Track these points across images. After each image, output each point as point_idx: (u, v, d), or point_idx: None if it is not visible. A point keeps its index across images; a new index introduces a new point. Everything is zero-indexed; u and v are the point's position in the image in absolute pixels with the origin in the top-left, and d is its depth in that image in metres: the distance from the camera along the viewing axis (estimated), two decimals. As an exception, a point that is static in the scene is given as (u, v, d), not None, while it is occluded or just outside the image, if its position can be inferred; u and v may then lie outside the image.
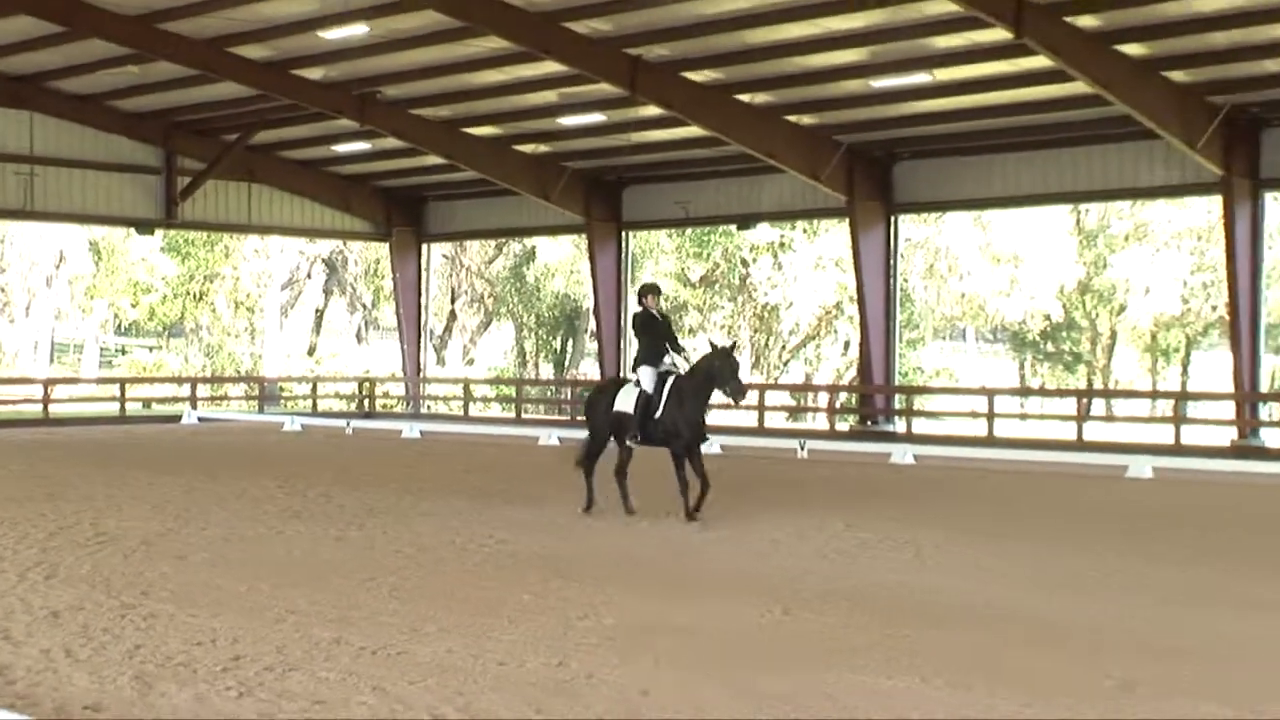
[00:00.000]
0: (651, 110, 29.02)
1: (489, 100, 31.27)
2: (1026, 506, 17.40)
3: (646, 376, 15.14)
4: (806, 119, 29.92)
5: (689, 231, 46.40)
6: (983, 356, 57.51)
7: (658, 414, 14.90)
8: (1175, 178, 28.03)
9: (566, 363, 55.58)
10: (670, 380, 15.00)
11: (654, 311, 15.55)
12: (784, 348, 51.90)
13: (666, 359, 15.22)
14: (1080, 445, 27.41)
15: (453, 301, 56.85)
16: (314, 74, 30.65)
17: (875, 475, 21.58)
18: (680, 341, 15.80)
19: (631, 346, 44.36)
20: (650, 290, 15.79)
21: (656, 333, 15.40)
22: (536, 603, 10.02)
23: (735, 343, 15.90)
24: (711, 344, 15.45)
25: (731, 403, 15.59)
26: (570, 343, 56.12)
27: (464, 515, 15.21)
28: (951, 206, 35.20)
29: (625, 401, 15.25)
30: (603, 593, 10.37)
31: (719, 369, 14.80)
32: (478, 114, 32.58)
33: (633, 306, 42.77)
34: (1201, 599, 10.56)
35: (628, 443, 15.35)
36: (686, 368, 15.20)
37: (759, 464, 23.05)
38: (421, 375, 42.26)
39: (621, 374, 37.31)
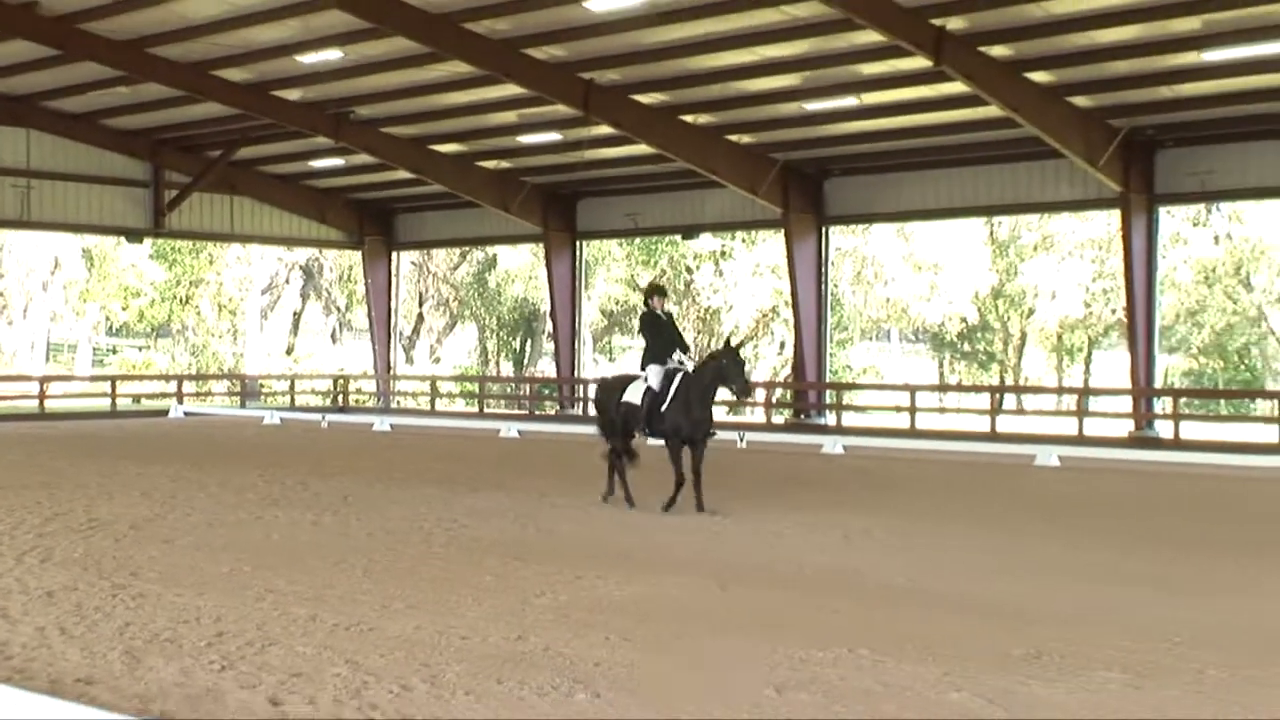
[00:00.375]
0: (603, 129, 29.00)
1: (454, 120, 31.18)
2: (946, 493, 17.50)
3: (654, 375, 14.52)
4: (745, 138, 29.98)
5: (638, 241, 46.41)
6: (905, 356, 57.78)
7: (664, 408, 14.27)
8: (1079, 193, 28.27)
9: (525, 361, 55.49)
10: (679, 377, 14.37)
11: (660, 312, 14.88)
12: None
13: (674, 357, 14.61)
14: (993, 436, 27.55)
15: (420, 305, 56.65)
16: (292, 95, 30.44)
17: (808, 464, 21.64)
18: (685, 339, 15.17)
19: (586, 348, 44.36)
20: (656, 291, 15.06)
21: (663, 332, 14.79)
22: (497, 582, 9.99)
23: (742, 341, 15.29)
24: (728, 343, 14.65)
25: (737, 400, 14.80)
26: (529, 343, 56.02)
27: (431, 502, 15.15)
28: (877, 218, 35.35)
29: (633, 395, 14.64)
30: (559, 573, 10.35)
31: (726, 367, 14.19)
32: (444, 132, 32.46)
33: (592, 306, 43.10)
34: (1106, 576, 10.65)
35: (637, 435, 14.74)
36: (692, 366, 14.63)
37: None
38: (391, 373, 42.07)
39: (577, 371, 37.32)
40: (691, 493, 14.19)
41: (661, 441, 14.45)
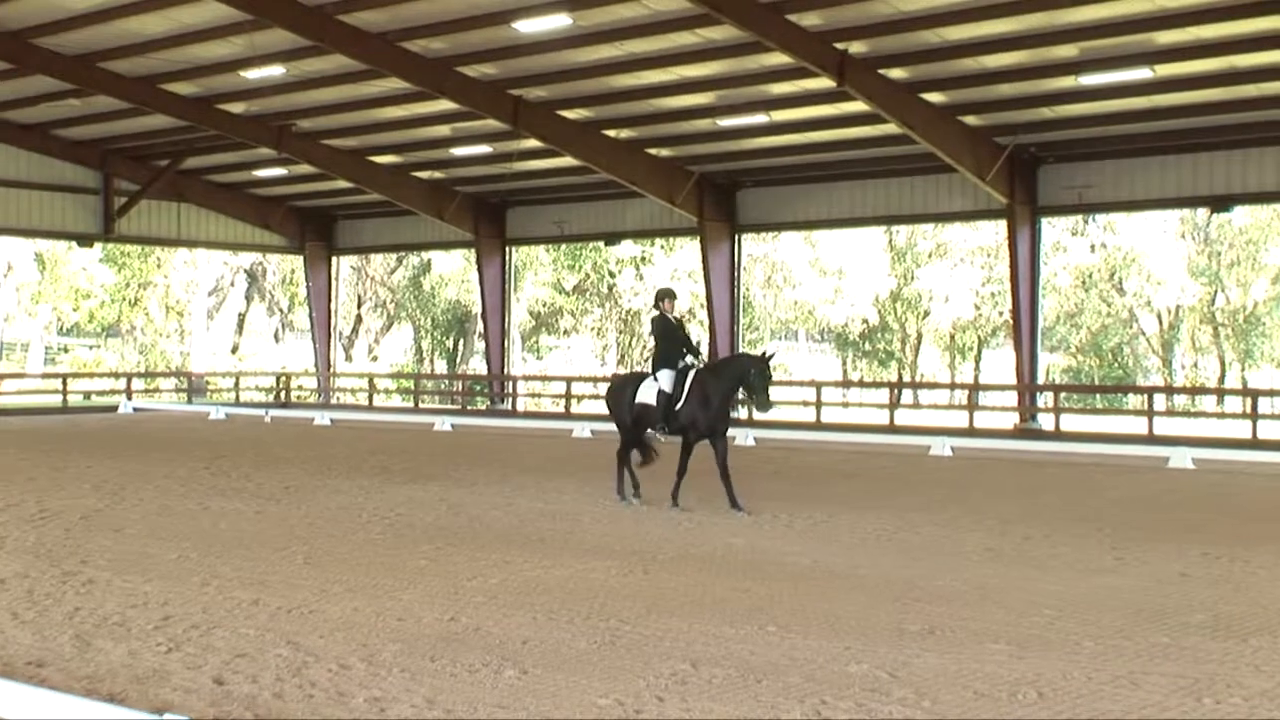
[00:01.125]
0: (531, 142, 28.90)
1: (391, 133, 30.92)
2: (848, 480, 17.62)
3: (666, 378, 13.75)
4: (664, 151, 30.03)
5: (564, 247, 46.36)
6: (812, 354, 58.22)
7: (679, 406, 13.55)
8: (969, 205, 28.58)
9: (458, 360, 55.21)
10: (691, 374, 13.63)
11: (670, 316, 14.09)
12: (645, 347, 52.07)
13: (686, 360, 13.85)
14: (892, 429, 27.69)
15: (359, 306, 56.16)
16: (237, 108, 30.00)
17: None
18: (696, 344, 14.37)
19: (515, 347, 44.18)
20: (666, 295, 14.15)
21: (674, 337, 14.00)
22: (431, 567, 9.93)
23: (774, 353, 14.11)
24: (763, 355, 13.80)
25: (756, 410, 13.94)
26: (461, 342, 55.74)
27: (369, 492, 15.02)
28: (786, 227, 35.58)
29: (647, 394, 13.89)
30: (489, 558, 10.31)
31: (754, 378, 13.37)
32: (381, 144, 32.18)
33: (521, 308, 42.93)
34: (990, 556, 10.81)
35: (656, 434, 14.00)
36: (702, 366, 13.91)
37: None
38: (332, 370, 41.67)
39: (506, 369, 37.18)
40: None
41: (679, 438, 13.81)
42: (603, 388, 38.89)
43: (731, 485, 13.47)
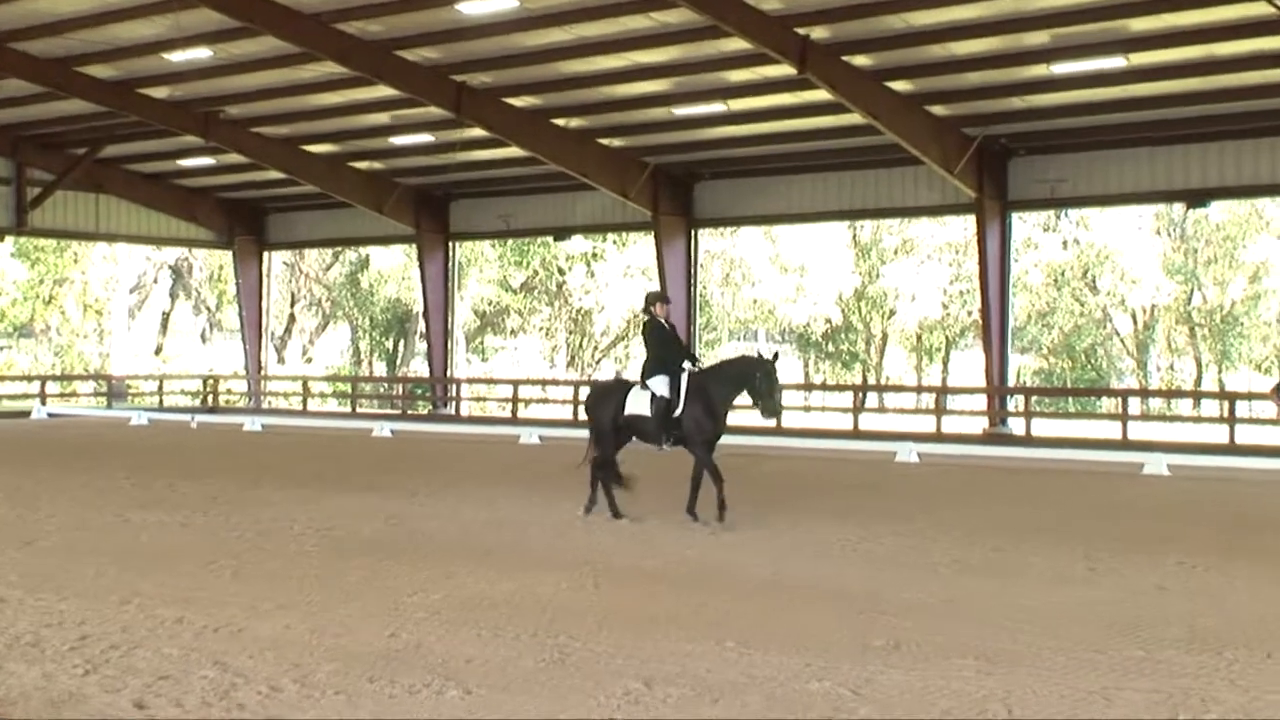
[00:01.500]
0: (476, 132, 28.83)
1: (326, 120, 30.74)
2: (810, 488, 17.72)
3: (661, 385, 13.38)
4: (616, 142, 30.06)
5: (510, 242, 46.24)
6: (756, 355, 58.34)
7: (678, 412, 13.22)
8: (936, 199, 28.82)
9: (398, 361, 54.95)
10: (684, 377, 13.31)
11: (664, 321, 13.73)
12: (596, 347, 52.13)
13: (683, 366, 13.46)
14: (856, 434, 27.86)
15: (292, 305, 55.81)
16: (160, 93, 29.70)
17: (677, 463, 21.64)
18: (693, 350, 13.78)
19: (459, 348, 44.04)
20: (658, 299, 13.87)
21: (669, 343, 13.71)
22: (369, 582, 9.87)
23: (778, 354, 13.79)
24: (775, 356, 13.60)
25: (762, 418, 13.63)
26: (401, 343, 55.49)
27: (302, 502, 14.92)
28: (745, 221, 35.73)
29: (638, 404, 13.49)
30: (431, 572, 10.27)
31: (759, 382, 13.10)
32: (316, 133, 31.98)
33: (465, 306, 42.73)
34: (956, 567, 10.90)
35: (663, 448, 13.62)
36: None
37: (574, 453, 22.89)
38: (263, 373, 41.35)
39: (449, 371, 37.05)
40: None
41: (680, 447, 13.48)
42: (552, 391, 39.09)
43: (697, 493, 13.38)
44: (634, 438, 13.92)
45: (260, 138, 32.18)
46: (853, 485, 18.17)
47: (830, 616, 8.75)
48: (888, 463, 21.88)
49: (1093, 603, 9.37)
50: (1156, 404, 40.83)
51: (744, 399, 13.59)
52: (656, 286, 34.63)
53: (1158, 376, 46.49)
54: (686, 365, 13.54)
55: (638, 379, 13.85)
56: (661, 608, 8.99)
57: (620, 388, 14.05)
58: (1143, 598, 9.60)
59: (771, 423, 14.38)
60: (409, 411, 37.84)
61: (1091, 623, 8.63)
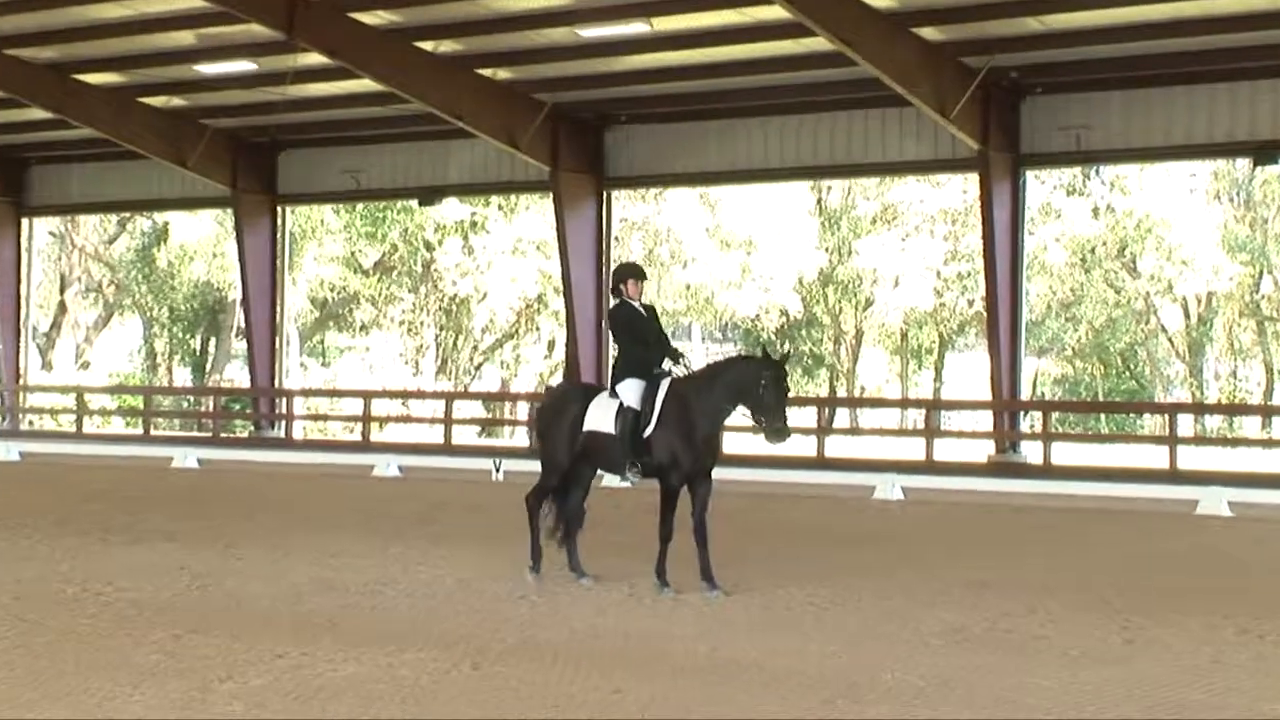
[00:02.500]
0: (313, 58, 28.63)
1: (108, 40, 30.43)
2: (761, 534, 17.63)
3: (632, 391, 13.03)
4: (502, 73, 30.00)
5: (360, 207, 46.00)
6: (710, 358, 58.68)
7: (646, 432, 12.89)
8: (926, 152, 28.92)
9: (208, 367, 54.48)
10: (665, 384, 13.04)
11: (637, 304, 13.50)
12: (476, 348, 52.02)
13: (663, 367, 13.21)
14: (821, 462, 27.89)
15: (63, 291, 55.13)
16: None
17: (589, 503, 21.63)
18: (676, 344, 13.69)
19: (291, 349, 43.74)
20: (630, 274, 13.59)
21: (644, 333, 13.41)
22: (167, 663, 9.80)
23: (789, 352, 13.52)
24: (785, 355, 13.43)
25: (766, 439, 13.17)
26: (213, 342, 55.05)
27: (77, 557, 14.77)
28: (674, 181, 35.78)
29: (600, 418, 13.16)
30: (251, 650, 10.20)
31: (764, 392, 12.71)
32: (94, 57, 31.64)
33: (299, 294, 42.21)
34: (967, 639, 10.99)
35: (628, 479, 13.35)
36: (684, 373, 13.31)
37: (445, 488, 22.95)
38: (21, 383, 40.76)
39: (278, 380, 36.76)
40: (689, 558, 12.89)
41: (651, 480, 13.18)
42: (416, 407, 38.84)
43: (707, 549, 12.91)
44: (596, 469, 13.69)
45: (17, 63, 31.77)
46: (817, 529, 18.25)
47: (785, 706, 8.79)
48: (863, 500, 21.98)
49: (1130, 683, 9.51)
50: (1214, 423, 41.49)
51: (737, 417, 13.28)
52: (555, 265, 34.65)
53: (1216, 387, 47.16)
54: (667, 366, 13.30)
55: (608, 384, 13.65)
56: (563, 695, 9.00)
57: (580, 395, 13.81)
58: (1194, 676, 9.76)
59: (778, 448, 14.04)
60: (223, 434, 37.52)
61: (1128, 708, 8.76)
